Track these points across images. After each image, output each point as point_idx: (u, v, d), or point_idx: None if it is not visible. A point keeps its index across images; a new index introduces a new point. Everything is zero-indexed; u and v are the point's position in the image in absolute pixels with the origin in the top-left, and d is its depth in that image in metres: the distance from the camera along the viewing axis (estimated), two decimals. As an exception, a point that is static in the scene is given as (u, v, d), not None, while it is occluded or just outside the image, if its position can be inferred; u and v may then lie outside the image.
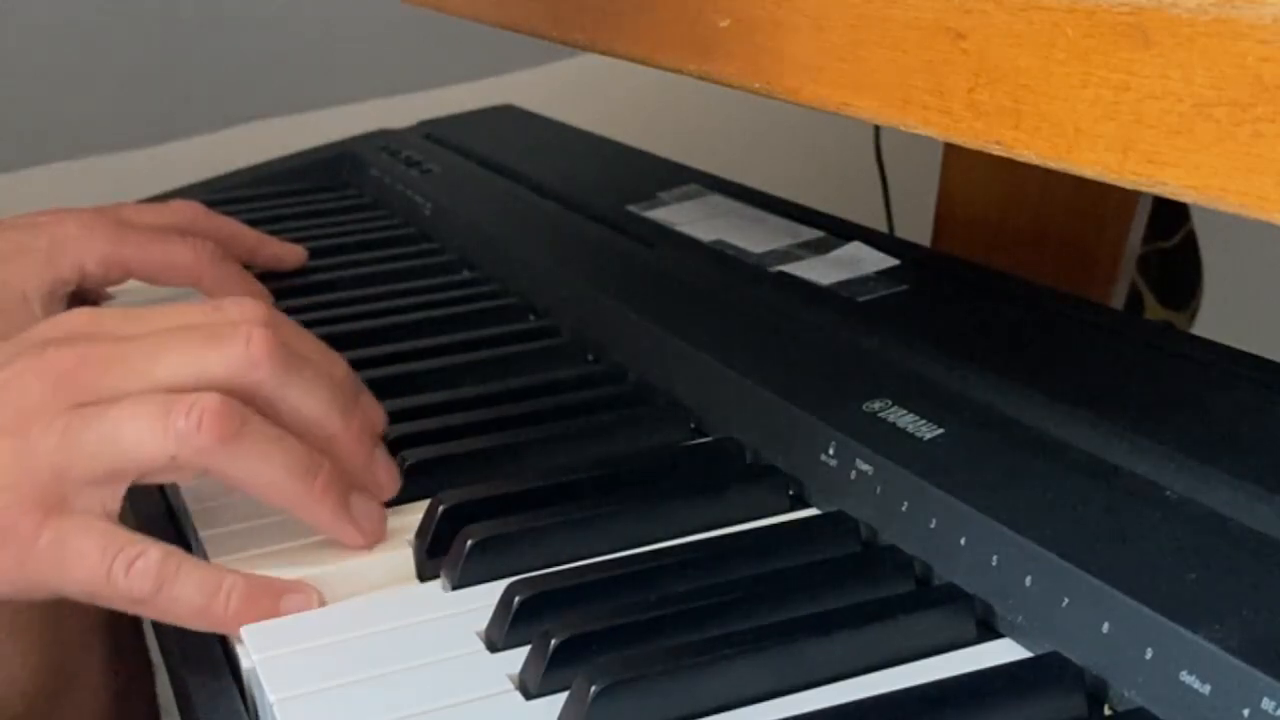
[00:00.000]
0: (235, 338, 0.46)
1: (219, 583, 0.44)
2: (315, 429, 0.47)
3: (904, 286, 0.60)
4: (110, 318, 0.48)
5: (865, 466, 0.46)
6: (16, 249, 0.63)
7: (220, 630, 0.45)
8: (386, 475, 0.50)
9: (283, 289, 0.74)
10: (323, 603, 0.45)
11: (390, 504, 0.50)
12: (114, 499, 0.44)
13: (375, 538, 0.48)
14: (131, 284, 0.69)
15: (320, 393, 0.47)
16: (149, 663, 0.68)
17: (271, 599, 0.44)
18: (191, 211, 0.72)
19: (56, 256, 0.64)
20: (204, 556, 0.49)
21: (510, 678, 0.40)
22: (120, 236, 0.65)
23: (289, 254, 0.77)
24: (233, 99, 1.27)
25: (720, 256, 0.66)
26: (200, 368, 0.45)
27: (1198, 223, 1.04)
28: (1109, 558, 0.38)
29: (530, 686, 0.39)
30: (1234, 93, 0.25)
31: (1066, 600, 0.38)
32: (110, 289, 0.72)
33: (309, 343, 0.49)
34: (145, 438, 0.43)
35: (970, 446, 0.45)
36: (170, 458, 0.44)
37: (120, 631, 0.64)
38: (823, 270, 0.62)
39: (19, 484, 0.43)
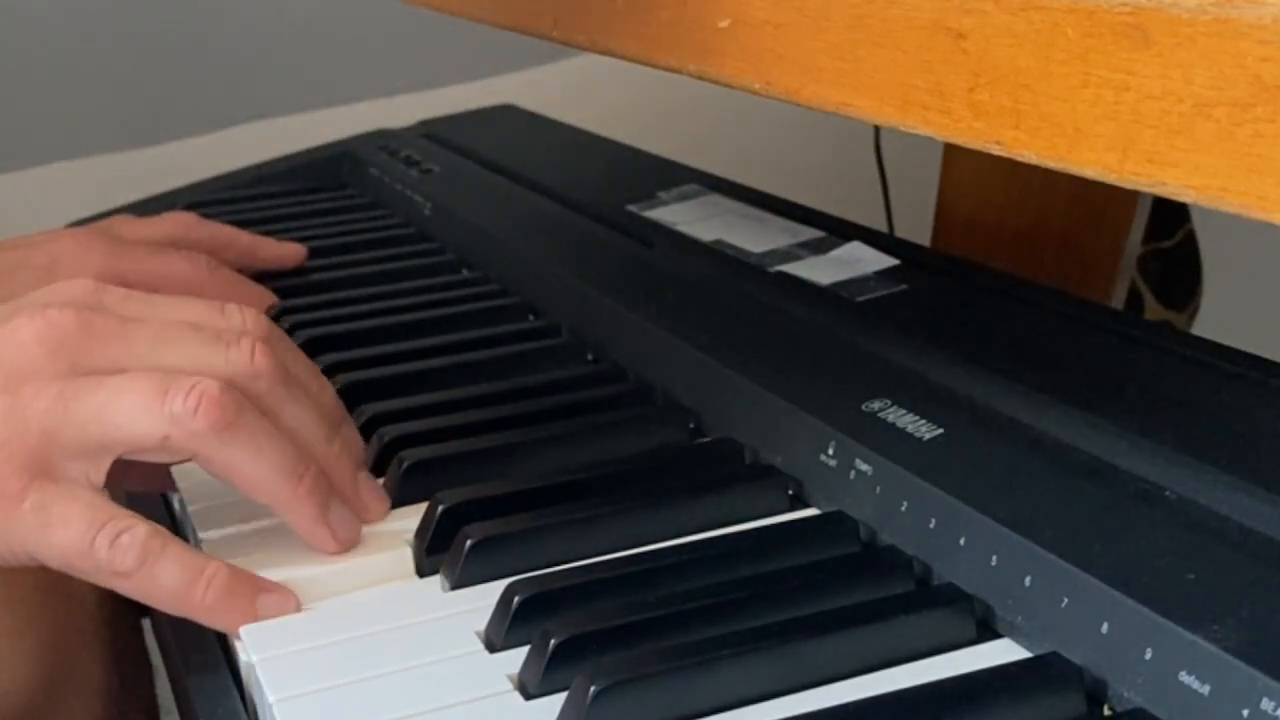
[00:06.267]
0: (241, 346, 0.47)
1: (201, 569, 0.44)
2: (302, 444, 0.47)
3: (904, 286, 0.59)
4: (112, 294, 0.48)
5: (865, 466, 0.46)
6: (16, 265, 0.63)
7: (194, 618, 0.44)
8: (372, 497, 0.50)
9: (283, 288, 0.74)
10: (299, 608, 0.45)
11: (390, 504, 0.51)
12: (98, 472, 0.44)
13: (348, 546, 0.48)
14: None
15: (310, 414, 0.48)
16: (148, 664, 0.68)
17: (249, 597, 0.44)
18: (185, 221, 0.72)
19: (55, 272, 0.64)
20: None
21: (510, 678, 0.40)
22: (116, 252, 0.65)
23: (288, 253, 0.77)
24: (233, 99, 1.27)
25: (720, 256, 0.66)
26: (204, 362, 0.46)
27: (1198, 223, 1.04)
28: (1109, 558, 0.38)
29: (530, 686, 0.39)
30: (1234, 93, 0.25)
31: (1066, 600, 0.38)
32: None
33: (303, 365, 0.50)
34: (139, 414, 0.43)
35: (970, 446, 0.45)
36: (162, 438, 0.44)
37: (119, 632, 0.64)
38: (822, 270, 0.62)
39: (9, 442, 0.43)
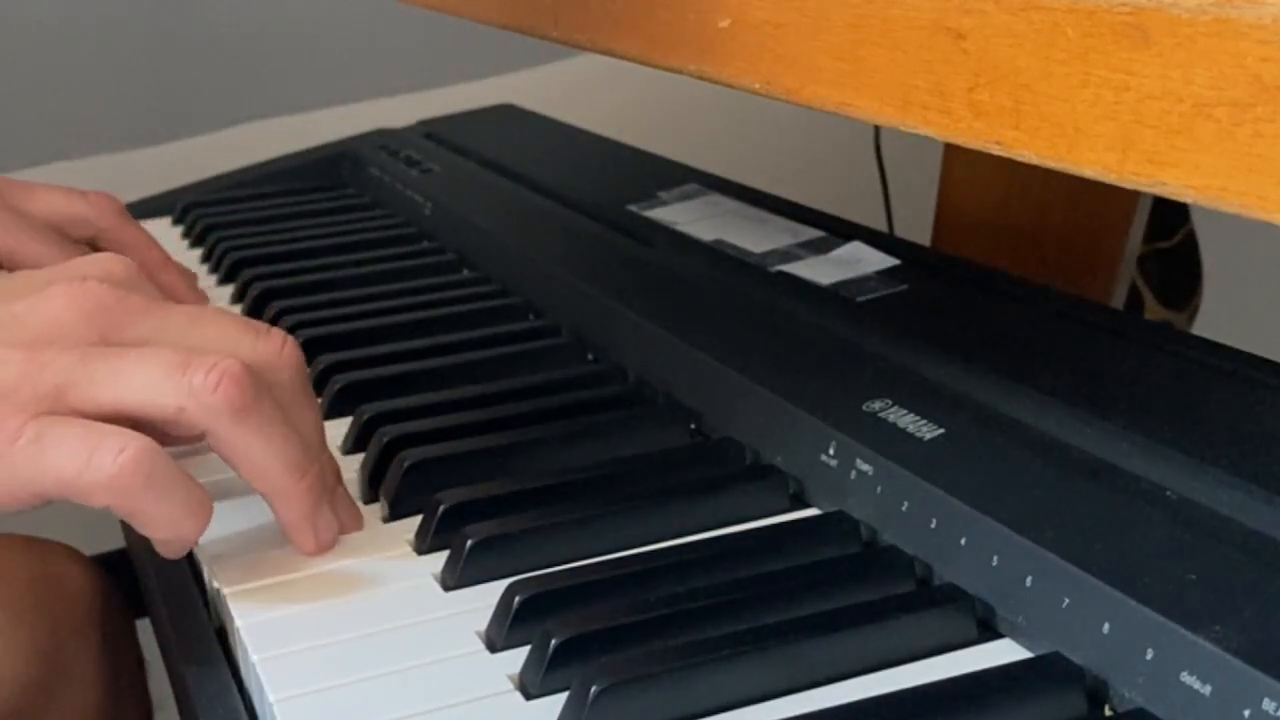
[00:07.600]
0: (273, 337, 0.47)
1: (202, 496, 0.44)
2: (308, 443, 0.47)
3: (904, 286, 0.60)
4: (146, 283, 0.48)
5: (865, 466, 0.46)
6: None
7: (181, 544, 0.44)
8: (349, 513, 0.50)
9: (282, 288, 0.74)
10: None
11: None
12: None
13: (325, 549, 0.47)
14: None
15: (317, 419, 0.49)
16: (141, 658, 0.68)
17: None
18: (102, 208, 0.69)
19: None
20: (204, 557, 0.49)
21: (510, 678, 0.40)
22: (8, 224, 0.62)
23: (185, 289, 0.71)
24: (233, 99, 1.27)
25: (720, 256, 0.66)
26: (233, 346, 0.46)
27: (1198, 223, 1.04)
28: (1109, 558, 0.38)
29: (530, 687, 0.39)
30: (1234, 93, 0.25)
31: (1067, 600, 0.38)
32: None
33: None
34: (158, 381, 0.43)
35: (970, 446, 0.45)
36: (178, 409, 0.43)
37: (112, 628, 0.64)
38: (823, 270, 0.62)
39: (19, 390, 0.42)
